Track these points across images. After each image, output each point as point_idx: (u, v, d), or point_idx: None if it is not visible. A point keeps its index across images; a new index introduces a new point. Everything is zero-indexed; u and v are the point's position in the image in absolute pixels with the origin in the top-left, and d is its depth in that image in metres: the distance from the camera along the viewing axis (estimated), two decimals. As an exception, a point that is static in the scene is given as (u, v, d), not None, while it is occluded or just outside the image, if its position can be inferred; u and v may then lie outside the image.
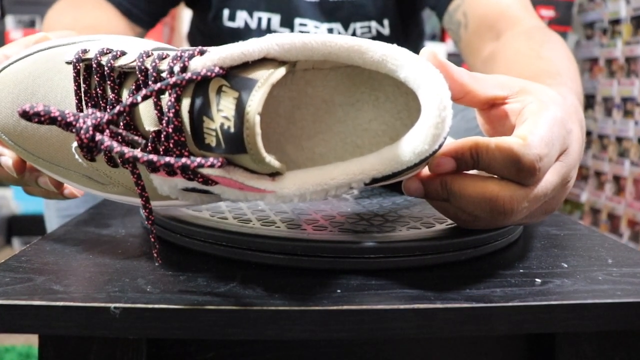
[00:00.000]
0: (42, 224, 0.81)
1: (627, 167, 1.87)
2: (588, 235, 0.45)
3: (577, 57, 2.16)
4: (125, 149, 0.29)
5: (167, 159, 0.28)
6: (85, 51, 0.35)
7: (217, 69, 0.29)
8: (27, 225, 1.99)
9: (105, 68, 0.33)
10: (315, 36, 0.30)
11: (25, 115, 0.29)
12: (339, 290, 0.33)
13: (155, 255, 0.33)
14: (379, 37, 0.84)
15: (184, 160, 0.28)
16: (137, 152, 0.29)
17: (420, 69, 0.30)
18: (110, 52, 0.34)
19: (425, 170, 0.36)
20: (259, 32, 0.83)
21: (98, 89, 0.34)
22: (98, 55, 0.34)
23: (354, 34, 0.83)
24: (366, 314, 0.30)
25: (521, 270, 0.37)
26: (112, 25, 0.76)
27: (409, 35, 0.88)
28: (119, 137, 0.31)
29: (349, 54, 0.31)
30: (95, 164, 0.36)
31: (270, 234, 0.36)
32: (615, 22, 1.95)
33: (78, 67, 0.35)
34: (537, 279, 0.35)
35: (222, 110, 0.29)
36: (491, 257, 0.39)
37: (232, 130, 0.29)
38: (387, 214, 0.43)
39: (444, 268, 0.37)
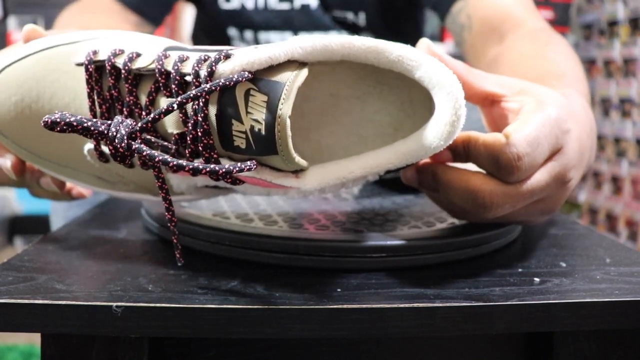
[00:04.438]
0: (44, 224, 0.82)
1: (625, 168, 1.87)
2: (586, 235, 0.46)
3: (576, 57, 2.15)
4: (169, 158, 0.29)
5: (212, 166, 0.29)
6: (95, 52, 0.35)
7: (246, 74, 0.29)
8: (30, 225, 1.99)
9: (123, 71, 0.33)
10: (334, 38, 0.31)
11: (54, 125, 0.29)
12: (339, 289, 0.33)
13: (177, 256, 0.33)
14: (354, 26, 0.84)
15: (227, 166, 0.29)
16: (182, 161, 0.29)
17: (435, 69, 0.31)
18: (122, 53, 0.34)
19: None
20: (257, 11, 0.82)
21: (113, 91, 0.34)
22: (111, 57, 0.34)
23: (334, 17, 0.83)
24: (366, 313, 0.30)
25: (520, 270, 0.37)
26: (121, 28, 0.76)
27: (401, 33, 0.88)
28: (149, 144, 0.32)
29: (366, 55, 0.32)
30: (108, 164, 0.37)
31: (272, 234, 0.36)
32: (613, 23, 1.95)
33: (90, 69, 0.35)
34: (535, 278, 0.35)
35: (252, 113, 0.29)
36: (490, 256, 0.39)
37: (263, 132, 0.29)
38: (388, 214, 0.43)
39: (443, 267, 0.37)
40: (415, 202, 0.48)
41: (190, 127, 0.31)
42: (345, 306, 0.31)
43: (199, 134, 0.31)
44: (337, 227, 0.39)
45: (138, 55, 0.34)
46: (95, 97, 0.35)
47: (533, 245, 0.43)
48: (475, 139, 0.35)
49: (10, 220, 2.02)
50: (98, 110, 0.35)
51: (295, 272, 0.35)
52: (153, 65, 0.33)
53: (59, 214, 0.76)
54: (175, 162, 0.29)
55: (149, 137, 0.32)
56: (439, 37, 2.14)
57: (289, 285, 0.33)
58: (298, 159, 0.30)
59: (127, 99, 0.33)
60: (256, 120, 0.29)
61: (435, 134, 0.31)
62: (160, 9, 0.82)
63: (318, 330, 0.30)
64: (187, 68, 0.32)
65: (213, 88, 0.29)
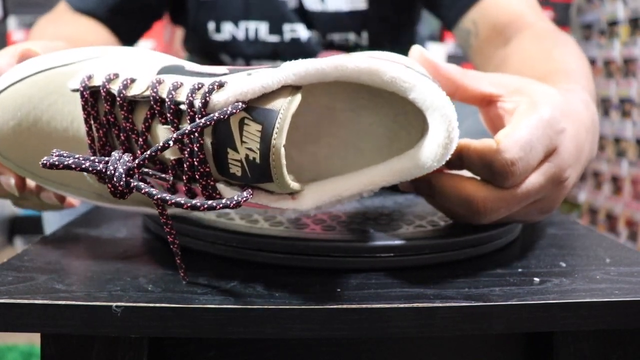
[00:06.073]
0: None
1: (625, 168, 1.87)
2: (586, 235, 0.46)
3: (576, 57, 2.15)
4: (167, 196, 0.29)
5: (210, 202, 0.29)
6: (90, 77, 0.35)
7: (240, 105, 0.30)
8: (30, 225, 1.99)
9: (118, 98, 0.33)
10: (327, 61, 0.31)
11: (52, 167, 0.29)
12: (339, 289, 0.33)
13: (182, 275, 0.34)
14: (356, 47, 0.83)
15: (224, 201, 0.29)
16: (181, 199, 0.29)
17: (429, 91, 0.31)
18: (117, 78, 0.34)
19: None
20: (247, 42, 0.81)
21: (109, 117, 0.34)
22: (106, 83, 0.34)
23: (331, 42, 0.81)
24: (366, 313, 0.31)
25: (520, 270, 0.37)
26: (92, 36, 0.74)
27: (399, 39, 0.87)
28: (146, 176, 0.32)
29: (359, 76, 0.32)
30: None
31: (280, 235, 0.36)
32: (613, 23, 1.95)
33: (86, 95, 0.35)
34: (535, 278, 0.35)
35: (247, 142, 0.30)
36: (490, 256, 0.40)
37: (257, 161, 0.30)
38: (392, 213, 0.43)
39: (443, 267, 0.37)
40: (417, 202, 0.48)
41: (187, 155, 0.31)
42: (345, 306, 0.31)
43: (195, 162, 0.31)
44: (343, 227, 0.39)
45: (132, 80, 0.34)
46: (92, 122, 0.35)
47: (533, 245, 0.43)
48: (467, 146, 0.35)
49: (10, 220, 2.02)
50: (95, 134, 0.35)
51: (295, 272, 0.35)
52: (147, 92, 0.33)
53: (52, 224, 0.75)
54: (173, 200, 0.29)
55: (146, 170, 0.32)
56: (438, 37, 2.14)
57: (289, 285, 0.33)
58: (293, 184, 0.31)
59: (123, 124, 0.34)
60: (251, 150, 0.30)
61: (428, 154, 0.32)
62: (133, 29, 0.80)
63: (318, 330, 0.30)
64: (182, 96, 0.32)
65: (208, 122, 0.29)
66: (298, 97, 0.30)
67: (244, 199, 0.29)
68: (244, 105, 0.30)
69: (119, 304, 0.30)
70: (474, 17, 0.71)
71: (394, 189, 0.53)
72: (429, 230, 0.38)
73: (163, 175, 0.33)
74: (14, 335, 1.36)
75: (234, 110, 0.29)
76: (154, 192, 0.29)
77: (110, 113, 0.34)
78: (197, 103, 0.31)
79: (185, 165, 0.32)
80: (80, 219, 0.48)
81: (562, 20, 2.14)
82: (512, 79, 0.40)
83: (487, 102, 0.39)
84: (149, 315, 0.30)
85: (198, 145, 0.31)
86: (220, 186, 0.32)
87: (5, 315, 0.30)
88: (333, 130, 0.38)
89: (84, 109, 0.35)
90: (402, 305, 0.31)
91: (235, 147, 0.30)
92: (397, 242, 0.36)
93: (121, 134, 0.34)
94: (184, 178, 0.32)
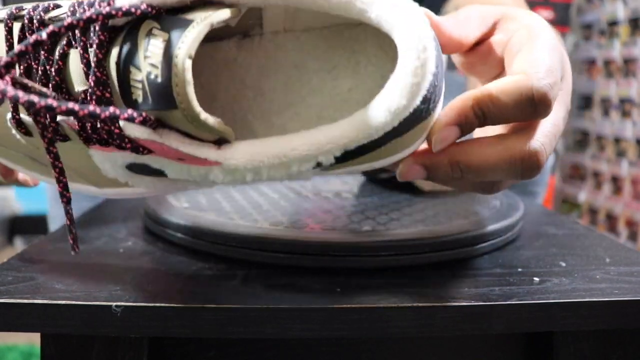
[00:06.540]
0: (44, 224, 0.81)
1: (625, 168, 1.87)
2: (586, 235, 0.46)
3: (575, 58, 2.16)
4: (20, 94, 0.23)
5: (71, 105, 0.23)
6: (20, 9, 0.31)
7: (143, 6, 0.24)
8: (30, 225, 2.00)
9: (35, 22, 0.29)
10: None
11: None
12: (338, 289, 0.33)
13: (71, 242, 0.30)
14: None
15: (91, 108, 0.23)
16: (33, 97, 0.23)
17: (394, 5, 0.25)
18: (43, 6, 0.30)
19: (422, 146, 0.31)
20: None
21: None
22: (31, 11, 0.29)
23: None
24: (366, 313, 0.31)
25: (519, 269, 0.37)
26: None
27: None
28: (24, 88, 0.27)
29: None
30: (34, 139, 0.31)
31: (279, 234, 0.36)
32: (613, 23, 1.95)
33: (10, 25, 0.30)
34: (535, 278, 0.35)
35: (149, 57, 0.24)
36: (490, 255, 0.40)
37: (159, 79, 0.24)
38: (392, 213, 0.43)
39: (443, 267, 0.37)
40: (417, 200, 0.48)
41: (92, 82, 0.26)
42: (345, 306, 0.31)
43: (92, 84, 0.26)
44: (343, 227, 0.39)
45: (56, 6, 0.29)
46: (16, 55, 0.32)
47: (533, 245, 0.43)
48: (488, 94, 0.29)
49: (10, 220, 2.02)
50: (18, 67, 0.30)
51: (295, 272, 0.35)
52: (65, 15, 0.28)
53: (57, 220, 0.75)
54: (23, 97, 0.22)
55: (24, 80, 0.27)
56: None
57: (289, 285, 0.33)
58: (205, 116, 0.24)
59: (42, 55, 0.29)
60: (153, 65, 0.24)
61: (396, 91, 0.24)
62: None
63: (318, 330, 0.30)
64: (92, 9, 0.26)
65: (84, 16, 0.24)
66: (225, 11, 0.25)
67: (127, 116, 0.24)
68: (148, 8, 0.24)
69: (119, 303, 0.30)
70: (457, 3, 0.72)
71: (393, 187, 0.53)
72: (428, 228, 0.38)
73: (44, 90, 0.27)
74: (14, 335, 1.36)
75: (132, 9, 0.24)
76: (9, 90, 0.23)
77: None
78: (102, 9, 0.25)
79: (87, 94, 0.26)
80: (81, 219, 0.48)
81: (562, 20, 2.14)
82: (490, 8, 0.36)
83: (475, 44, 0.35)
84: (149, 315, 0.30)
85: (96, 60, 0.25)
86: (124, 123, 0.26)
87: (5, 315, 0.30)
88: (304, 96, 0.32)
89: (6, 40, 0.30)
90: (402, 305, 0.31)
91: (137, 65, 0.24)
92: (397, 241, 0.36)
93: (39, 67, 0.29)
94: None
